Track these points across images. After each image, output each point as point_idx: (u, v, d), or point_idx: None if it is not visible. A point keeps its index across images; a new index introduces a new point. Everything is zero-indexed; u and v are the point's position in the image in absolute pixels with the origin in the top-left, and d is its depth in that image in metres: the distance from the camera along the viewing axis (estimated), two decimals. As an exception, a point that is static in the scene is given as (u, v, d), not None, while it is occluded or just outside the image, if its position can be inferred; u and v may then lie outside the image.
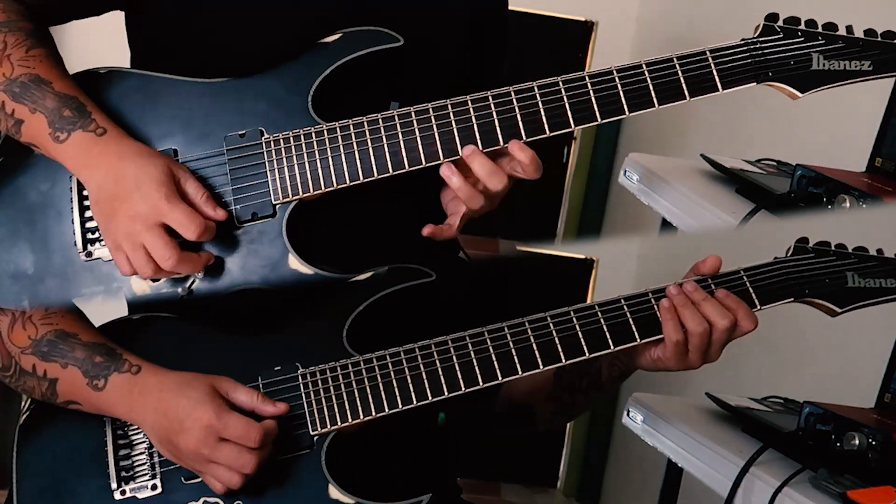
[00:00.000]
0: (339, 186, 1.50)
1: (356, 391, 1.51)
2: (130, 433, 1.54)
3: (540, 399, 1.73)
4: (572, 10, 3.03)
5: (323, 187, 1.50)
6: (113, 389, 1.50)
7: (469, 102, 1.50)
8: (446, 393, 1.51)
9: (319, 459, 1.50)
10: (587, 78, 1.50)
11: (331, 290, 1.54)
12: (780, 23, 1.51)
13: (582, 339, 1.53)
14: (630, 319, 1.54)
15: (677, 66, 1.50)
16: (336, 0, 1.57)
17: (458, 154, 1.49)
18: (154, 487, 1.51)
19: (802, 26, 1.51)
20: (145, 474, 1.52)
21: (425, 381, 1.51)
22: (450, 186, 1.50)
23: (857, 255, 1.60)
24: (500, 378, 1.52)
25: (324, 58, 1.52)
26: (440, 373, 1.51)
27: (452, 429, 1.67)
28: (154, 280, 1.50)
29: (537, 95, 1.50)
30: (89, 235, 1.51)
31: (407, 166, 1.50)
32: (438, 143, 1.50)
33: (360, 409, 1.51)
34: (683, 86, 1.49)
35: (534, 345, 1.52)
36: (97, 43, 1.88)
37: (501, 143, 1.50)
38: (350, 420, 1.51)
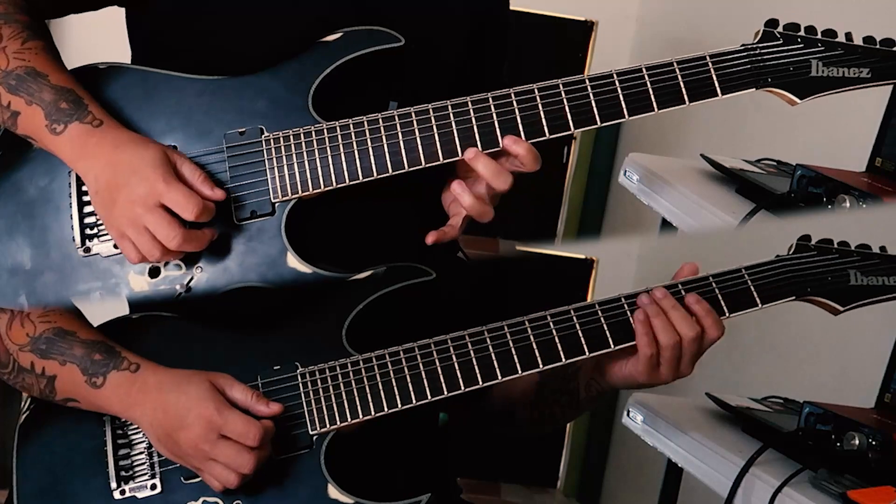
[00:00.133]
0: (339, 186, 1.50)
1: (355, 391, 1.51)
2: (130, 433, 1.54)
3: (522, 405, 1.73)
4: (572, 10, 3.03)
5: (322, 186, 1.50)
6: (111, 387, 1.50)
7: (469, 103, 1.50)
8: (446, 392, 1.51)
9: (318, 459, 1.50)
10: (587, 81, 1.50)
11: (330, 289, 1.54)
12: (780, 29, 1.52)
13: (582, 338, 1.52)
14: (630, 318, 1.53)
15: (677, 70, 1.50)
16: (338, 0, 1.56)
17: (459, 155, 1.49)
18: (153, 487, 1.51)
19: (802, 33, 1.52)
20: (145, 474, 1.52)
21: (425, 381, 1.51)
22: (476, 167, 1.50)
23: (860, 253, 1.59)
24: (499, 377, 1.52)
25: (324, 57, 1.52)
26: (440, 372, 1.51)
27: (452, 429, 1.67)
28: (158, 269, 1.50)
29: (537, 97, 1.50)
30: (88, 231, 1.51)
31: (406, 166, 1.50)
32: (438, 143, 1.50)
33: (359, 408, 1.50)
34: (683, 90, 1.50)
35: (534, 344, 1.52)
36: (98, 39, 1.88)
37: (501, 144, 1.50)
38: (349, 420, 1.50)
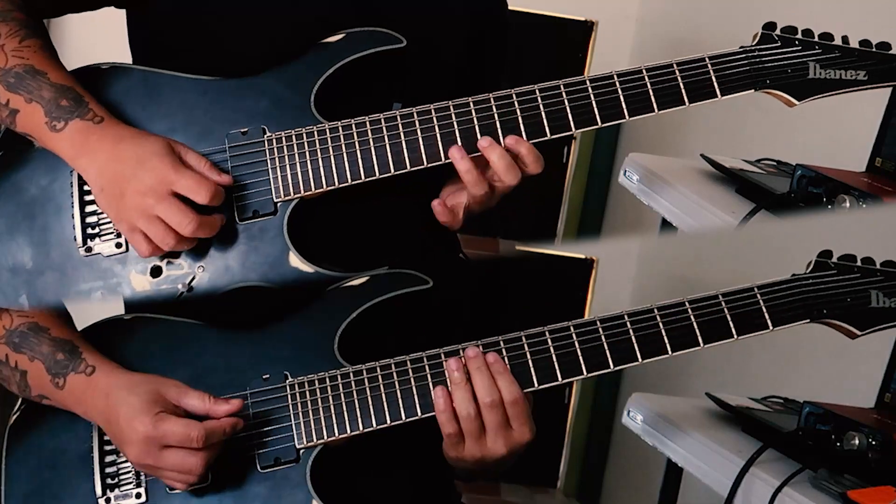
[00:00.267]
0: (341, 185, 1.50)
1: (344, 404, 1.48)
2: (116, 439, 1.53)
3: None
4: (572, 10, 3.03)
5: (324, 186, 1.50)
6: (70, 389, 1.50)
7: (471, 104, 1.51)
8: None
9: (304, 473, 1.48)
10: (588, 82, 1.50)
11: (324, 295, 1.53)
12: (778, 31, 1.53)
13: (580, 357, 1.49)
14: (632, 337, 1.49)
15: (677, 72, 1.51)
16: (338, 0, 1.57)
17: None
18: (138, 496, 1.50)
19: (799, 35, 1.53)
20: (130, 482, 1.50)
21: (415, 396, 1.48)
22: (457, 169, 1.49)
23: (885, 273, 1.55)
24: None
25: (326, 57, 1.52)
26: (431, 388, 1.49)
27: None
28: (159, 269, 1.50)
29: (538, 98, 1.51)
30: (89, 230, 1.51)
31: (408, 166, 1.50)
32: (440, 143, 1.50)
33: (347, 423, 1.48)
34: (683, 92, 1.51)
35: (529, 361, 1.49)
36: (98, 39, 1.88)
37: (503, 145, 1.50)
38: (336, 434, 1.48)
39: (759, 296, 1.52)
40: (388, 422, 1.48)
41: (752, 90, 1.52)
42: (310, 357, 1.51)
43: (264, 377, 1.51)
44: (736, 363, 2.63)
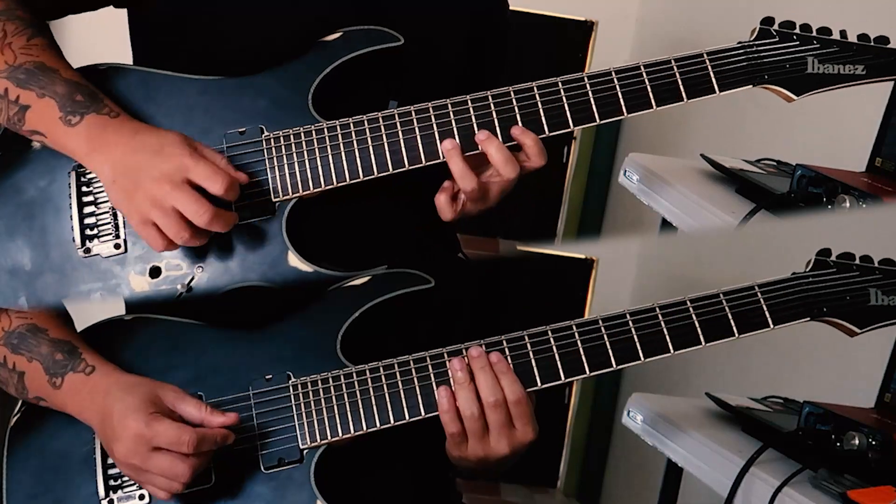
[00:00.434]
0: (339, 184, 1.50)
1: (347, 404, 1.48)
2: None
3: None
4: (572, 10, 3.03)
5: (323, 185, 1.50)
6: (68, 389, 1.49)
7: (469, 102, 1.51)
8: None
9: (308, 474, 1.48)
10: (586, 79, 1.50)
11: (326, 295, 1.53)
12: (776, 27, 1.53)
13: (583, 356, 1.49)
14: (635, 336, 1.50)
15: (675, 68, 1.51)
16: (338, 0, 1.56)
17: None
18: (142, 497, 1.49)
19: (797, 30, 1.53)
20: (133, 483, 1.50)
21: (419, 396, 1.48)
22: (448, 162, 1.49)
23: (884, 270, 1.55)
24: None
25: (324, 56, 1.52)
26: (434, 388, 1.49)
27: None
28: (158, 269, 1.50)
29: (537, 95, 1.51)
30: (88, 231, 1.51)
31: (407, 165, 1.50)
32: (438, 142, 1.50)
33: (350, 423, 1.48)
34: (681, 88, 1.51)
35: (532, 360, 1.49)
36: (98, 39, 1.88)
37: (502, 141, 1.50)
38: (340, 434, 1.48)
39: (759, 294, 1.52)
40: (392, 422, 1.48)
41: (751, 85, 1.52)
42: (312, 357, 1.51)
43: (267, 377, 1.51)
44: (736, 363, 2.63)
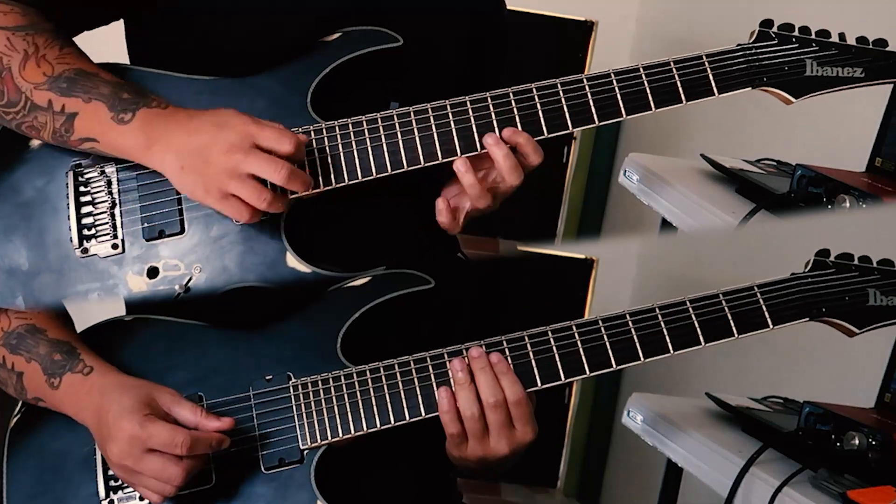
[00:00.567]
0: (338, 185, 1.50)
1: (348, 405, 1.48)
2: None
3: None
4: (572, 10, 3.03)
5: (321, 186, 1.49)
6: (66, 389, 1.49)
7: (468, 103, 1.51)
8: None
9: (308, 474, 1.48)
10: (585, 80, 1.51)
11: (326, 296, 1.53)
12: (775, 29, 1.53)
13: (583, 357, 1.49)
14: (634, 336, 1.50)
15: (674, 70, 1.51)
16: (339, 0, 1.56)
17: (457, 154, 1.50)
18: (142, 498, 1.49)
19: (796, 33, 1.53)
20: None
21: (419, 396, 1.48)
22: (461, 182, 1.49)
23: (882, 271, 1.56)
24: None
25: (323, 57, 1.52)
26: (434, 388, 1.49)
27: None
28: (156, 269, 1.49)
29: (536, 97, 1.51)
30: (85, 232, 1.51)
31: (406, 166, 1.50)
32: (437, 143, 1.50)
33: (351, 423, 1.48)
34: (680, 90, 1.51)
35: (532, 360, 1.49)
36: (97, 38, 1.87)
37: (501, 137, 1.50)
38: (341, 435, 1.48)
39: (759, 295, 1.52)
40: (392, 422, 1.48)
41: (750, 88, 1.53)
42: (312, 357, 1.51)
43: (267, 378, 1.51)
44: (736, 363, 2.63)
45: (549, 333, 1.50)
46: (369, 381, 1.49)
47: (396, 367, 1.50)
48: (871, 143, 1.95)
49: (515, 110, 1.50)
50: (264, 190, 1.41)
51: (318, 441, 1.49)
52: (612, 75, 1.51)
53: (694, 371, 2.81)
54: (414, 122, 1.50)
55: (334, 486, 1.49)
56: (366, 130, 1.50)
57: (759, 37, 1.53)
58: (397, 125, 1.50)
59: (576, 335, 1.50)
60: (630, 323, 1.50)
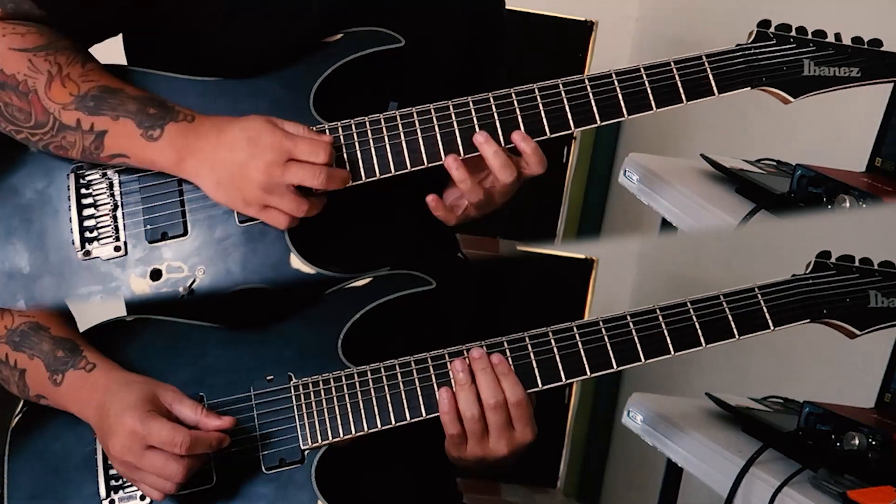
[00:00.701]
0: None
1: (349, 405, 1.49)
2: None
3: None
4: (572, 10, 3.03)
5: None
6: (68, 386, 1.49)
7: (471, 103, 1.51)
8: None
9: (309, 474, 1.48)
10: (587, 81, 1.51)
11: (327, 296, 1.53)
12: (773, 29, 1.54)
13: (584, 358, 1.50)
14: (635, 337, 1.50)
15: (675, 70, 1.52)
16: (338, 0, 1.56)
17: (461, 154, 1.50)
18: (143, 498, 1.49)
19: (794, 33, 1.54)
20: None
21: (420, 397, 1.49)
22: (453, 178, 1.50)
23: (882, 272, 1.56)
24: None
25: (325, 58, 1.52)
26: (435, 389, 1.49)
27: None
28: (159, 272, 1.49)
29: (538, 97, 1.51)
30: (87, 234, 1.51)
31: (409, 166, 1.50)
32: (440, 143, 1.50)
33: (352, 424, 1.48)
34: (681, 90, 1.52)
35: (533, 361, 1.50)
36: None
37: (503, 143, 1.50)
38: (342, 435, 1.49)
39: (759, 296, 1.53)
40: (393, 422, 1.49)
41: (749, 87, 1.53)
42: (313, 358, 1.51)
43: (268, 378, 1.51)
44: (736, 363, 2.63)
45: (550, 334, 1.50)
46: (370, 381, 1.49)
47: (397, 367, 1.50)
48: (871, 143, 1.95)
49: (518, 110, 1.50)
50: (303, 200, 1.43)
51: (319, 441, 1.49)
52: (614, 75, 1.51)
53: (694, 371, 2.81)
54: (417, 122, 1.50)
55: (335, 486, 1.49)
56: (369, 132, 1.50)
57: (758, 37, 1.54)
58: (400, 126, 1.50)
59: (577, 336, 1.50)
60: (631, 324, 1.51)
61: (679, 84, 1.51)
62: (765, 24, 1.54)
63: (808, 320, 1.54)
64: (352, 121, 1.50)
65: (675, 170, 2.13)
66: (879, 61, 1.54)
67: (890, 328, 1.56)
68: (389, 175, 1.50)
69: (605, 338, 1.50)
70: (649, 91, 1.51)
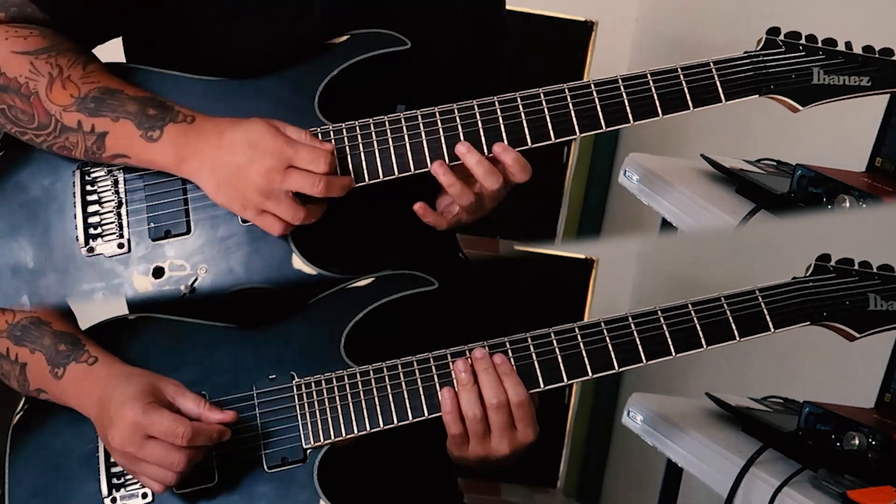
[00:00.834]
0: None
1: (351, 405, 1.49)
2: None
3: None
4: (572, 10, 3.03)
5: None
6: (69, 379, 1.50)
7: (476, 107, 1.51)
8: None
9: (311, 473, 1.49)
10: (593, 86, 1.51)
11: (330, 296, 1.53)
12: (782, 37, 1.53)
13: (585, 358, 1.50)
14: (637, 339, 1.51)
15: (682, 76, 1.51)
16: (341, 2, 1.56)
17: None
18: (144, 496, 1.50)
19: (803, 41, 1.53)
20: (136, 482, 1.50)
21: (422, 397, 1.49)
22: (440, 183, 1.50)
23: (882, 276, 1.57)
24: None
25: (331, 59, 1.52)
26: (437, 388, 1.49)
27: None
28: (162, 270, 1.50)
29: (543, 102, 1.51)
30: (91, 231, 1.51)
31: (412, 169, 1.50)
32: (444, 147, 1.50)
33: (354, 423, 1.49)
34: (687, 96, 1.51)
35: (535, 362, 1.50)
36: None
37: (486, 152, 1.50)
38: (344, 434, 1.49)
39: (760, 298, 1.53)
40: (395, 422, 1.49)
41: (757, 95, 1.53)
42: (316, 357, 1.52)
43: (270, 377, 1.51)
44: (736, 363, 2.63)
45: (552, 335, 1.51)
46: (372, 381, 1.50)
47: (399, 367, 1.50)
48: (871, 143, 1.95)
49: (523, 115, 1.50)
50: (300, 208, 1.44)
51: (321, 440, 1.49)
52: (620, 81, 1.51)
53: (694, 371, 2.82)
54: (421, 125, 1.50)
55: (337, 485, 1.49)
56: (373, 133, 1.50)
57: (767, 44, 1.53)
58: (404, 128, 1.50)
59: (578, 337, 1.51)
60: (632, 325, 1.51)
61: (686, 91, 1.51)
62: (774, 31, 1.54)
63: (809, 323, 1.55)
64: (356, 122, 1.50)
65: (676, 170, 2.13)
66: (890, 70, 1.53)
67: (889, 331, 1.56)
68: (393, 177, 1.50)
69: (607, 339, 1.51)
70: (656, 97, 1.50)
